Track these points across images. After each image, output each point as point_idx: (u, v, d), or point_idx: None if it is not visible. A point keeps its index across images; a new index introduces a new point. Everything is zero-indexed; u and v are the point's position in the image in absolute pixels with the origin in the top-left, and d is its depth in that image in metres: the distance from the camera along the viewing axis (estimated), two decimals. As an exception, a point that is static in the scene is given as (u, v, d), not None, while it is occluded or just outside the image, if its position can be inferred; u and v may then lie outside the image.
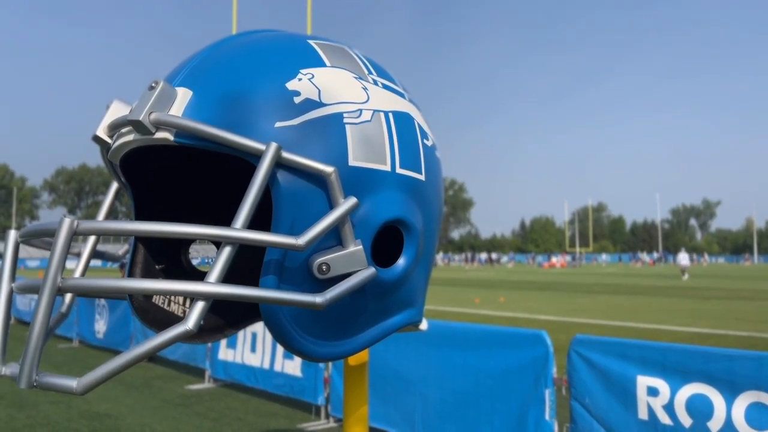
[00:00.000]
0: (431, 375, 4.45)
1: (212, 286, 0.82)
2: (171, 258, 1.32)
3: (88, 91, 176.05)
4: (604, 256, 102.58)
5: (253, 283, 0.99)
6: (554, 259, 76.42)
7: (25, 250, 76.14)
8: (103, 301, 9.41)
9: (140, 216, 1.22)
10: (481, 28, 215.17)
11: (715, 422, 3.15)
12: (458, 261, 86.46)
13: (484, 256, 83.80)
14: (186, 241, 1.36)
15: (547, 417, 3.83)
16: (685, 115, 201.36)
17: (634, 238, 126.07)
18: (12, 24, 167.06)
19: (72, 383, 0.78)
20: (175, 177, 1.31)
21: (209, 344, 6.83)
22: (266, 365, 6.03)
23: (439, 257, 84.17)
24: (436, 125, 1.25)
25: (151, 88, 0.93)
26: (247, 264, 1.35)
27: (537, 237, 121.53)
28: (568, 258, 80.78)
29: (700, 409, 3.21)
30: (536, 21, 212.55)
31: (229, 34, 1.22)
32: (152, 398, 6.39)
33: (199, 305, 0.82)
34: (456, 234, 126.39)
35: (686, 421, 3.25)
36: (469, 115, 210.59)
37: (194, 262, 1.38)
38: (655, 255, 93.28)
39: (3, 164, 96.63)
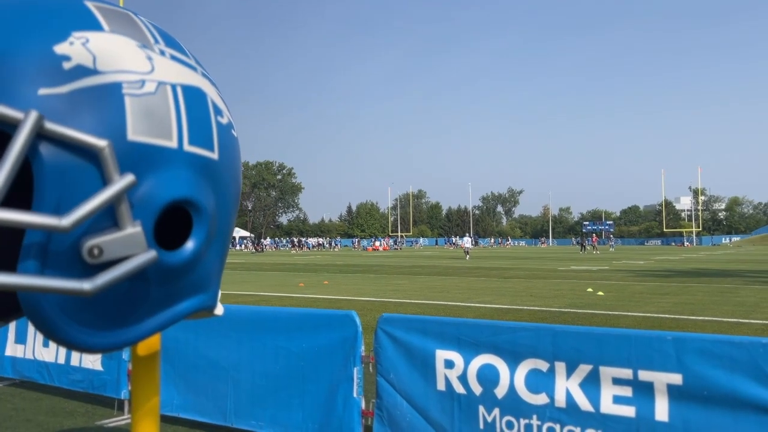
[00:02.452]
0: (243, 360, 4.38)
1: None
2: None
3: None
4: (422, 240, 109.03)
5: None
6: (377, 243, 79.40)
7: None
8: None
9: None
10: (311, 8, 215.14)
11: (501, 389, 3.49)
12: (286, 246, 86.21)
13: (312, 241, 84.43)
14: None
15: (354, 394, 3.96)
16: (493, 110, 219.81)
17: (449, 223, 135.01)
18: None
19: None
20: None
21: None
22: (62, 360, 5.50)
23: (267, 242, 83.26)
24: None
25: None
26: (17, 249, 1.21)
27: (363, 222, 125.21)
28: (390, 242, 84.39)
29: (489, 377, 3.54)
30: (362, 6, 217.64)
31: None
32: None
33: None
34: (284, 219, 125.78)
35: (477, 389, 3.56)
36: (298, 98, 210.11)
37: None
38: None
39: None
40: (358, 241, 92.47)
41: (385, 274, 24.29)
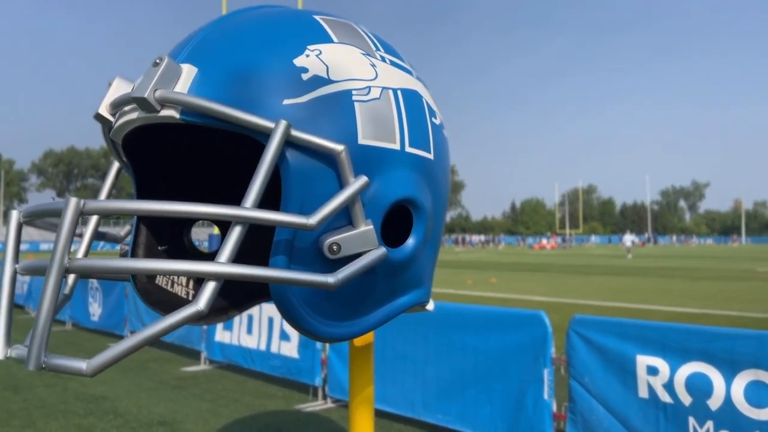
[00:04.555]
0: (431, 355, 4.46)
1: (223, 266, 0.80)
2: (173, 239, 1.29)
3: (74, 74, 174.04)
4: (593, 238, 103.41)
5: (257, 263, 0.96)
6: (544, 241, 76.80)
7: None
8: (96, 284, 9.35)
9: (142, 196, 1.19)
10: (473, 9, 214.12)
11: (715, 400, 3.18)
12: (450, 243, 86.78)
13: (475, 238, 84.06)
14: (188, 222, 1.33)
15: (545, 396, 3.85)
16: (675, 96, 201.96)
17: (623, 220, 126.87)
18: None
19: (81, 365, 0.76)
20: (176, 157, 1.28)
21: (204, 326, 6.82)
22: (263, 347, 6.03)
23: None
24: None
25: (156, 64, 0.91)
26: (252, 244, 1.32)
27: (527, 219, 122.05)
28: (558, 240, 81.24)
29: (700, 387, 3.24)
30: (526, 3, 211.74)
31: (228, 11, 1.18)
32: (148, 380, 6.39)
33: (210, 286, 0.80)
34: (447, 216, 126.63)
35: (686, 399, 3.27)
36: (458, 95, 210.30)
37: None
38: (645, 236, 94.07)
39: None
40: (524, 239, 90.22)
41: (556, 273, 23.41)
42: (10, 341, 0.81)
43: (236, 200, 1.42)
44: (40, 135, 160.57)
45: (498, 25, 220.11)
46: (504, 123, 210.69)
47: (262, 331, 6.06)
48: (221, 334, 6.64)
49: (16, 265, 0.84)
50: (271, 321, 5.91)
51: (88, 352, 7.83)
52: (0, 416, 5.13)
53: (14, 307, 0.82)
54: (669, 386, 3.34)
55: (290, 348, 5.68)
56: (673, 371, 3.33)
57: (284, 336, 5.76)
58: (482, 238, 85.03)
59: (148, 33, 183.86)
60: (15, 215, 0.87)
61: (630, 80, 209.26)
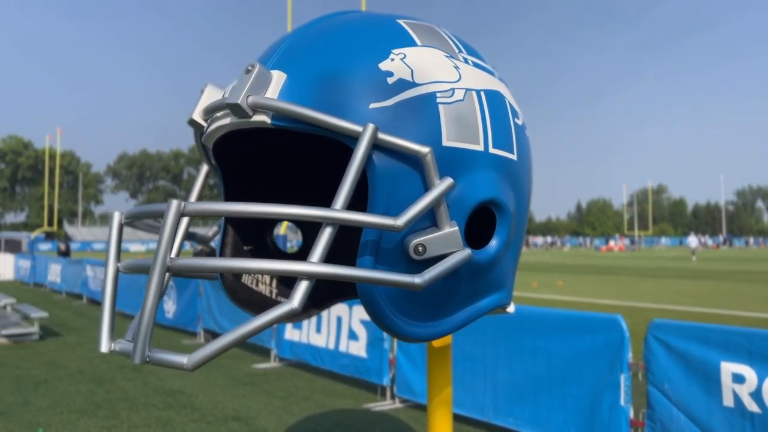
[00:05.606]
0: (501, 358, 4.40)
1: (316, 266, 0.82)
2: (257, 239, 1.33)
3: (145, 81, 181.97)
4: (663, 240, 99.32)
5: (338, 263, 0.97)
6: (612, 243, 74.33)
7: (89, 234, 79.09)
8: (171, 282, 9.72)
9: (229, 198, 1.23)
10: (539, 8, 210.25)
11: (808, 412, 2.99)
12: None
13: (540, 240, 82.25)
14: (271, 223, 1.36)
15: (622, 402, 3.73)
16: (751, 90, 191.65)
17: (696, 221, 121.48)
18: (67, 21, 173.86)
19: (183, 360, 0.80)
20: (258, 159, 1.32)
21: (274, 325, 6.97)
22: (331, 346, 6.12)
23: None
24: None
25: (248, 71, 0.94)
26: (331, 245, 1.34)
27: (594, 220, 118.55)
28: (626, 241, 78.48)
29: (791, 397, 3.05)
30: (593, 2, 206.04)
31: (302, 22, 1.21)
32: (221, 377, 6.59)
33: (304, 284, 0.82)
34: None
35: (776, 409, 3.09)
36: (524, 93, 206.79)
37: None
38: (720, 238, 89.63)
39: (70, 151, 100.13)
40: (591, 241, 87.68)
41: (624, 275, 22.64)
42: (113, 336, 0.85)
43: (313, 201, 1.46)
44: (114, 139, 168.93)
45: (562, 24, 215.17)
46: (569, 122, 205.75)
47: (330, 330, 6.15)
48: (291, 333, 6.78)
49: (118, 264, 0.89)
50: (339, 320, 5.99)
51: (163, 348, 8.13)
52: (86, 407, 5.42)
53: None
54: (756, 395, 3.17)
55: (358, 347, 5.73)
56: (761, 379, 3.17)
57: (352, 335, 5.83)
58: (548, 239, 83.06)
59: (217, 43, 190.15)
60: (117, 217, 0.92)
61: (703, 76, 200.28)
